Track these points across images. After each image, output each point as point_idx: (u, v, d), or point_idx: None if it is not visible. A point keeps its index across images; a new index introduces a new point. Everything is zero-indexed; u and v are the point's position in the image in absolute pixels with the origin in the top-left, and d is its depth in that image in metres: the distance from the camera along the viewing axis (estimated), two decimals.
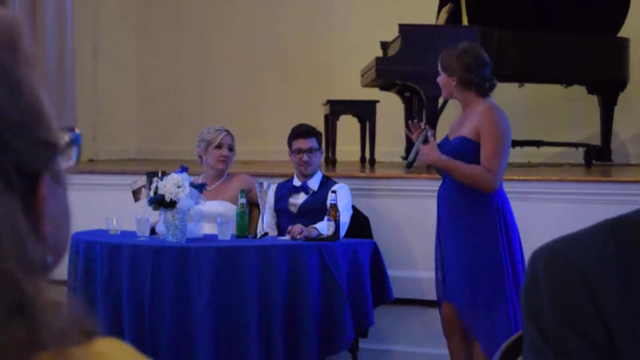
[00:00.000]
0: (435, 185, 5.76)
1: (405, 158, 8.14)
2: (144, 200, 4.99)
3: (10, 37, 0.75)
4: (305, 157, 5.23)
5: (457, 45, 4.51)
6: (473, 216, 4.36)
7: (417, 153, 4.45)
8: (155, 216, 5.07)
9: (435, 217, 5.32)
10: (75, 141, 0.80)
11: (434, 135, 4.53)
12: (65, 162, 0.79)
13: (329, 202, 4.92)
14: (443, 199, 4.51)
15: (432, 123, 6.95)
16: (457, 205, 4.41)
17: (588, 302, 1.12)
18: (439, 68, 4.50)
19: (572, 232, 1.21)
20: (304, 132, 5.30)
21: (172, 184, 4.66)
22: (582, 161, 7.57)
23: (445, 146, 4.46)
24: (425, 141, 4.44)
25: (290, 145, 5.32)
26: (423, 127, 4.48)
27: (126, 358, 0.75)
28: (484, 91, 4.41)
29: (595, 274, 1.13)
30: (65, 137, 0.79)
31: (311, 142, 5.27)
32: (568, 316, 1.13)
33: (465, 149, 4.32)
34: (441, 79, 4.51)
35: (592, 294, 1.12)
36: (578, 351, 1.12)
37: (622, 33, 7.46)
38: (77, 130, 0.80)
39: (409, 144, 8.16)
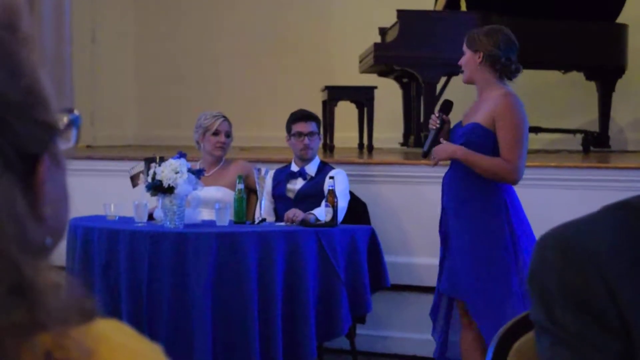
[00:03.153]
0: (433, 171, 5.77)
1: (403, 144, 8.16)
2: (141, 186, 4.99)
3: (9, 18, 0.75)
4: (306, 141, 5.23)
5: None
6: (478, 206, 4.23)
7: (433, 142, 4.32)
8: (153, 202, 5.07)
9: (434, 203, 5.29)
10: (74, 123, 0.80)
11: (449, 123, 4.34)
12: (65, 144, 0.79)
13: (326, 188, 4.92)
14: (447, 187, 4.36)
15: (430, 109, 6.96)
16: (463, 194, 4.27)
17: (599, 284, 1.13)
18: (464, 47, 4.29)
19: (576, 218, 1.21)
20: (304, 116, 5.30)
21: (170, 170, 4.66)
22: (580, 147, 7.57)
23: (457, 132, 4.32)
24: (441, 129, 4.32)
25: (289, 129, 5.31)
26: (438, 115, 4.33)
27: (125, 338, 0.76)
28: (508, 73, 4.27)
29: (605, 259, 1.14)
30: (65, 119, 0.79)
31: (311, 126, 5.27)
32: (579, 299, 1.13)
33: (477, 135, 4.17)
34: (464, 58, 4.29)
35: (603, 277, 1.13)
36: (589, 333, 1.12)
37: (620, 19, 7.45)
38: (76, 112, 0.80)
39: (407, 130, 8.18)
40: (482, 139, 4.18)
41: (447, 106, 4.38)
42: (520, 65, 4.32)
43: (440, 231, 4.47)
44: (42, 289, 0.70)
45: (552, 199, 5.38)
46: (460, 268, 4.30)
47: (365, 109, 7.67)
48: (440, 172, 5.71)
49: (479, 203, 4.25)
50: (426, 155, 4.44)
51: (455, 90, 7.56)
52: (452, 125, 4.41)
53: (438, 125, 4.32)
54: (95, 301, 0.75)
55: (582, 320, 1.13)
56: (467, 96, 7.57)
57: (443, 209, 4.42)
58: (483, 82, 4.29)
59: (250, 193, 5.31)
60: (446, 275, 4.40)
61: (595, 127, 7.69)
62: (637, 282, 1.13)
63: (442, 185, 4.41)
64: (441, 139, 4.24)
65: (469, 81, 4.35)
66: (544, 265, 1.18)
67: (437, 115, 4.36)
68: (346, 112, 7.86)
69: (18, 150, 0.73)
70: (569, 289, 1.14)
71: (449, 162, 4.45)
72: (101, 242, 4.78)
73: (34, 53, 0.76)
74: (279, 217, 5.22)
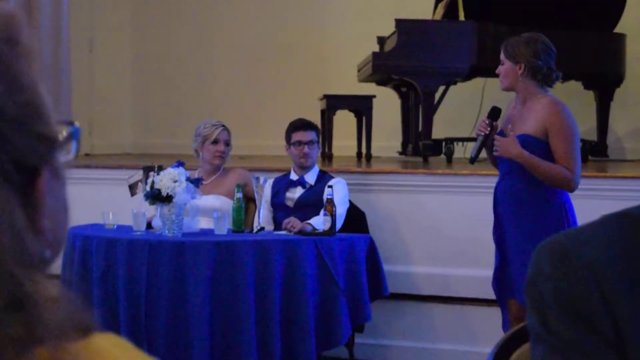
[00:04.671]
0: (431, 180, 5.78)
1: (401, 153, 8.16)
2: (140, 195, 4.99)
3: (9, 31, 0.75)
4: (306, 149, 5.24)
5: (521, 35, 4.36)
6: (538, 214, 4.21)
7: (480, 148, 4.33)
8: (151, 211, 5.06)
9: (432, 211, 5.30)
10: (74, 135, 0.79)
11: (497, 129, 4.32)
12: (64, 156, 0.79)
13: (325, 197, 4.92)
14: (504, 197, 4.33)
15: (429, 118, 6.97)
16: (522, 204, 4.25)
17: (595, 294, 1.12)
18: (502, 56, 4.30)
19: (574, 227, 1.21)
20: (304, 125, 5.32)
21: (169, 179, 4.66)
22: None
23: None
24: (489, 136, 4.29)
25: (289, 138, 5.31)
26: (487, 122, 4.31)
27: (123, 353, 0.75)
28: (549, 81, 4.28)
29: (602, 269, 1.13)
30: (64, 131, 0.78)
31: (311, 135, 5.28)
32: (574, 308, 1.13)
33: (530, 146, 4.16)
34: (504, 68, 4.30)
35: (600, 287, 1.12)
36: (584, 343, 1.12)
37: (618, 29, 7.46)
38: (76, 124, 0.80)
39: (406, 138, 8.18)
40: (535, 149, 4.18)
41: (496, 113, 4.38)
42: (560, 72, 4.35)
43: (495, 240, 4.43)
44: (40, 302, 0.70)
45: None
46: (521, 274, 4.26)
47: (364, 118, 7.67)
48: (438, 181, 5.74)
49: (537, 212, 4.24)
50: (474, 161, 4.47)
51: (454, 98, 7.58)
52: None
53: (487, 132, 4.31)
54: (93, 315, 0.75)
55: (577, 330, 1.13)
56: (466, 104, 7.59)
57: (498, 218, 4.39)
58: (525, 91, 4.29)
59: (248, 202, 5.31)
60: (518, 286, 4.31)
61: (593, 136, 7.69)
62: (633, 292, 1.13)
63: (495, 196, 4.39)
64: (510, 133, 4.18)
65: (509, 90, 4.37)
66: (540, 274, 1.18)
67: (486, 122, 4.34)
68: (345, 121, 7.86)
69: (17, 164, 0.73)
70: (565, 298, 1.14)
71: (497, 172, 4.46)
72: (99, 250, 4.78)
73: (34, 66, 0.76)
74: (277, 225, 5.21)
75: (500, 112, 4.38)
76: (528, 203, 4.26)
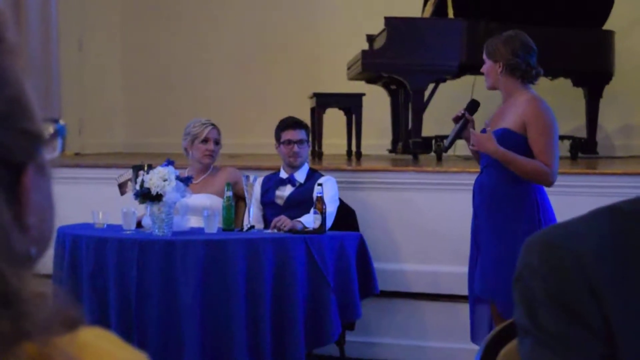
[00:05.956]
0: (421, 178, 5.79)
1: (391, 151, 8.16)
2: (130, 194, 4.98)
3: None
4: (295, 148, 5.24)
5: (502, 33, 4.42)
6: (512, 209, 4.25)
7: (455, 138, 4.39)
8: (141, 209, 5.06)
9: (422, 209, 5.30)
10: (59, 132, 0.80)
11: (473, 122, 4.39)
12: (50, 154, 0.79)
13: (315, 195, 4.92)
14: (480, 190, 4.39)
15: (419, 115, 6.98)
16: (496, 198, 4.29)
17: (584, 288, 1.13)
18: (484, 56, 4.39)
19: (563, 221, 1.22)
20: (293, 124, 5.31)
21: (158, 177, 4.65)
22: (568, 154, 7.58)
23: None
24: (464, 128, 4.34)
25: (278, 137, 5.31)
26: (463, 112, 4.38)
27: (111, 347, 0.75)
28: (530, 78, 4.33)
29: (592, 262, 1.14)
30: (50, 129, 0.79)
31: (301, 134, 5.28)
32: (563, 302, 1.13)
33: (508, 140, 4.20)
34: (486, 67, 4.38)
35: (590, 281, 1.13)
36: (572, 336, 1.12)
37: (607, 26, 7.48)
38: (61, 122, 0.80)
39: (395, 136, 8.19)
40: (514, 143, 4.21)
41: (473, 107, 4.44)
42: (541, 69, 4.39)
43: (472, 235, 4.48)
44: (27, 298, 0.70)
45: None
46: (491, 269, 4.30)
47: (354, 116, 7.68)
48: (428, 179, 5.75)
49: (510, 207, 4.27)
50: (447, 150, 4.53)
51: (444, 96, 7.58)
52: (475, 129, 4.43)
53: (461, 116, 4.36)
54: (81, 310, 0.75)
55: (565, 323, 1.13)
56: (455, 101, 7.60)
57: (474, 213, 4.45)
58: (507, 89, 4.36)
59: (238, 200, 5.30)
60: (479, 277, 4.40)
61: (582, 134, 7.71)
62: (622, 285, 1.13)
63: (474, 190, 4.45)
64: (487, 129, 4.23)
65: (493, 88, 4.43)
66: (529, 268, 1.18)
67: (461, 113, 4.41)
68: (334, 119, 7.86)
69: (2, 160, 0.73)
70: (553, 291, 1.14)
71: (478, 168, 4.49)
72: (89, 250, 4.77)
73: (19, 63, 0.76)
74: (267, 224, 5.21)
75: (477, 106, 4.45)
76: (502, 197, 4.30)
